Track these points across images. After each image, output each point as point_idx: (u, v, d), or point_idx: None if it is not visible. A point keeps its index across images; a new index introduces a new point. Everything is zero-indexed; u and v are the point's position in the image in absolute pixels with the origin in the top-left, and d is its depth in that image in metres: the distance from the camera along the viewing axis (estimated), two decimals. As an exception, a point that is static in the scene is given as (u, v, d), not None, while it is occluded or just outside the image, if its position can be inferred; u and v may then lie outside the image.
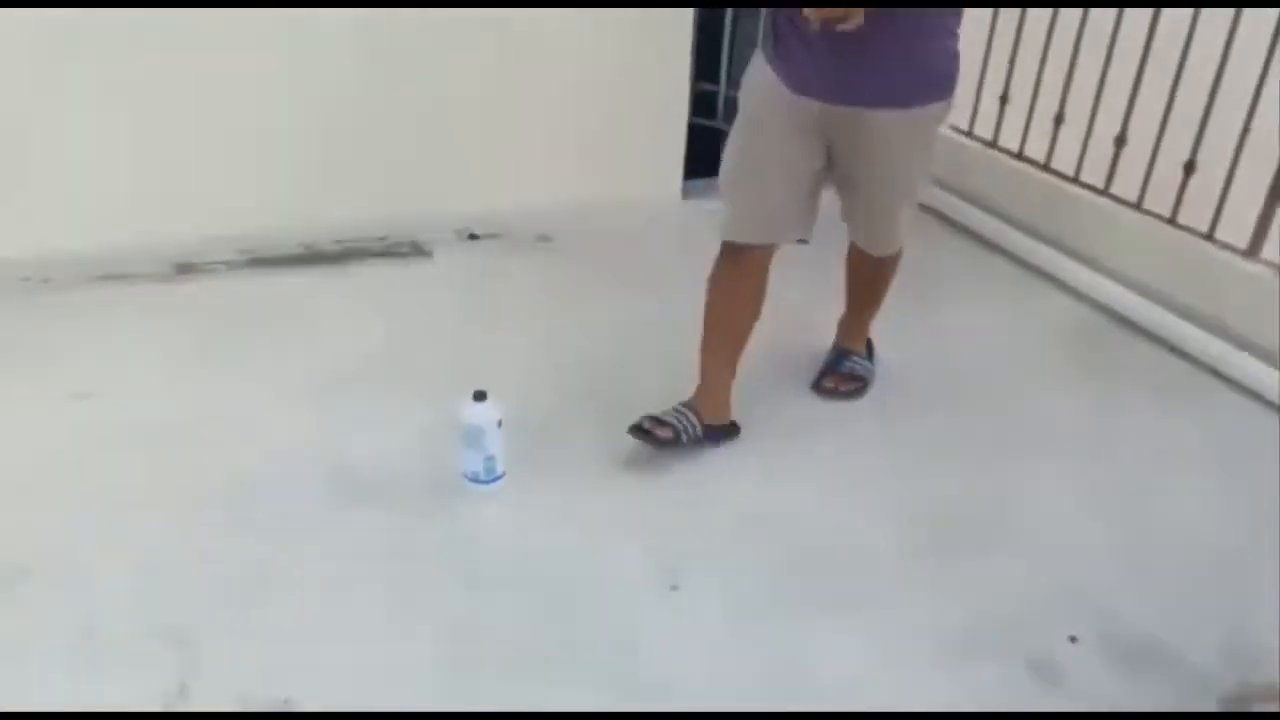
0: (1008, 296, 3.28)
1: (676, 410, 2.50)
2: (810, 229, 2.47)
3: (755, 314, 2.51)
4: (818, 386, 2.76)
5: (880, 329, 2.84)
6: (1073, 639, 2.06)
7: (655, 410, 2.47)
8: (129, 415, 2.56)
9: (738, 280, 2.46)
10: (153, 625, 2.00)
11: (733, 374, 2.54)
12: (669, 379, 2.49)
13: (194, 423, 2.55)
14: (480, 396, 2.32)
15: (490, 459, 2.35)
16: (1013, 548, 2.28)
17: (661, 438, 2.43)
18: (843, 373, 2.78)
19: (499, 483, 2.38)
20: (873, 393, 2.76)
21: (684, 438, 2.46)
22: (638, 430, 2.44)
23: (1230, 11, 2.84)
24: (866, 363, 2.82)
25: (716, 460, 2.50)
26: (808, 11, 2.14)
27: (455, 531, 2.28)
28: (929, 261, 3.20)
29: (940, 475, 2.48)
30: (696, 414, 2.50)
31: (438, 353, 2.85)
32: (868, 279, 2.73)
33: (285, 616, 2.05)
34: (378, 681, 1.91)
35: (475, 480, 2.37)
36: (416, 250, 3.41)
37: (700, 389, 2.53)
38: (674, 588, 2.15)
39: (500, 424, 2.33)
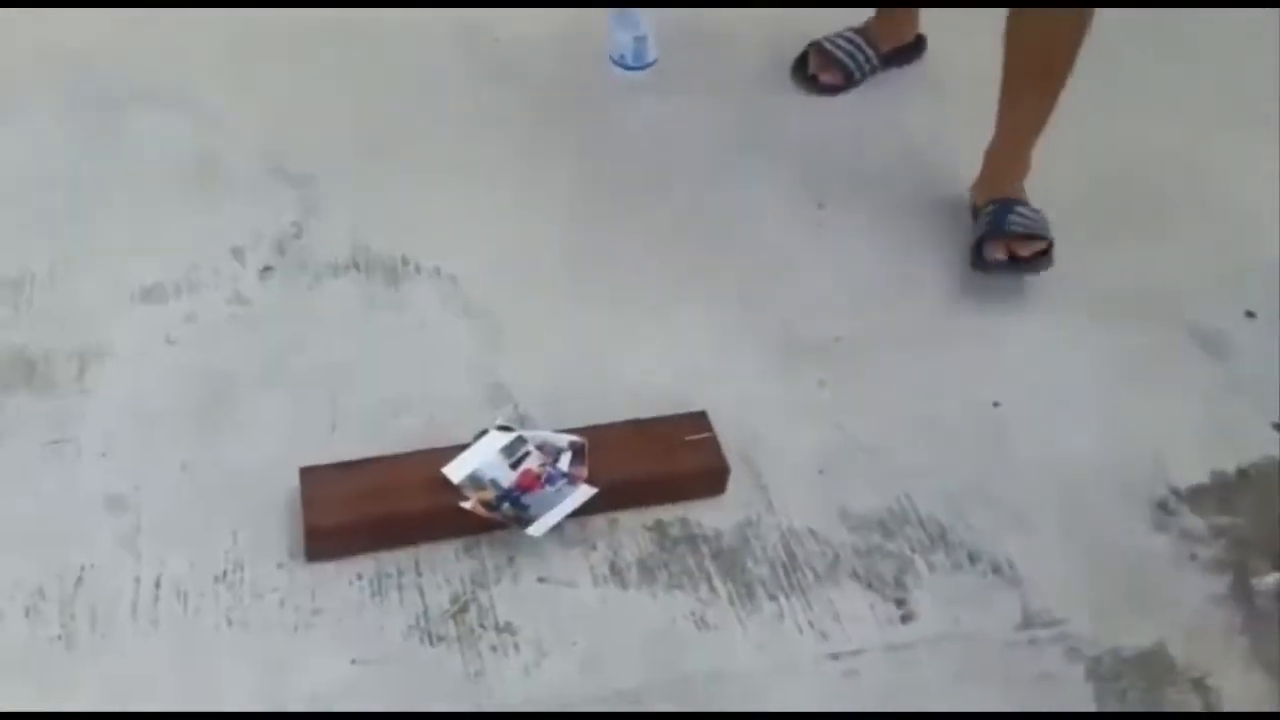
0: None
1: (849, 41, 2.20)
2: None
3: None
4: (981, 263, 1.85)
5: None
6: (1250, 314, 1.85)
7: (829, 30, 2.19)
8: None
9: None
10: (276, 166, 1.96)
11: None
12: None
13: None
14: (637, -39, 2.09)
15: (641, 40, 2.16)
16: (1204, 216, 2.02)
17: (827, 84, 2.19)
18: (1013, 231, 1.85)
19: (648, 70, 2.19)
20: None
21: (857, 76, 2.20)
22: (801, 73, 2.20)
23: None
24: (1036, 213, 1.89)
25: (890, 82, 2.23)
26: None
27: (594, 118, 2.12)
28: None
29: (1140, 131, 2.18)
30: (873, 43, 2.20)
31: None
32: (1049, 51, 1.79)
33: (410, 178, 1.97)
34: (494, 261, 1.84)
35: (622, 64, 2.19)
36: None
37: (879, 11, 2.22)
38: (821, 206, 1.99)
39: (657, -5, 2.12)
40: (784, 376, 1.72)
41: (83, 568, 1.40)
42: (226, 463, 1.53)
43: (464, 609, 1.42)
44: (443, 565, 1.45)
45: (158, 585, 1.40)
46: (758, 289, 1.85)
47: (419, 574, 1.44)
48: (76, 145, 1.97)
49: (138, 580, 1.40)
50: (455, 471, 1.47)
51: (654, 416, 1.58)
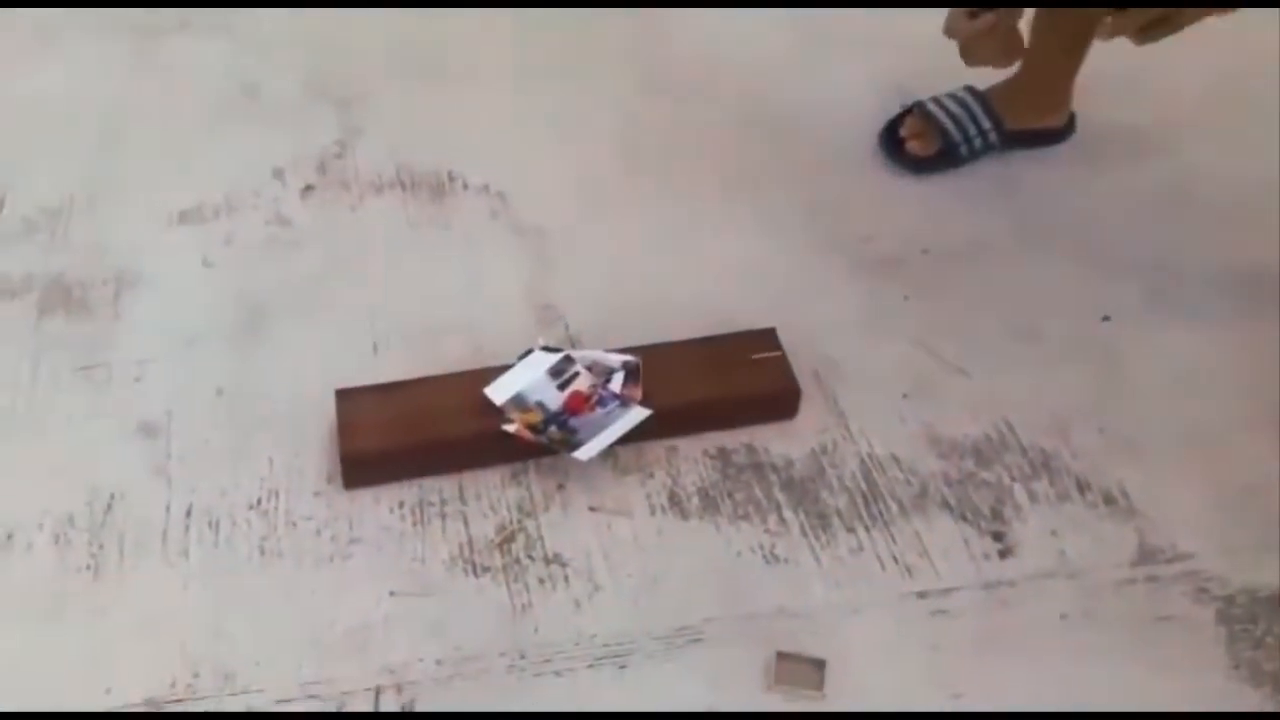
0: None
1: (961, 104, 1.70)
2: None
3: None
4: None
5: None
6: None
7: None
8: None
9: None
10: (318, 87, 1.87)
11: (1076, 57, 1.66)
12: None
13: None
14: None
15: (702, -55, 2.00)
16: None
17: (915, 155, 1.70)
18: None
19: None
20: None
21: (963, 150, 1.70)
22: (889, 138, 1.73)
23: None
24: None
25: None
26: None
27: (647, 20, 1.98)
28: None
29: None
30: (993, 114, 1.70)
31: None
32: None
33: (456, 93, 1.86)
34: (544, 174, 1.72)
35: (683, -29, 2.04)
36: None
37: (1020, 74, 1.67)
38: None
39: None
40: (863, 290, 1.56)
41: (113, 495, 1.32)
42: (263, 387, 1.44)
43: (510, 538, 1.30)
44: (488, 493, 1.34)
45: (189, 514, 1.31)
46: (832, 198, 1.69)
47: (463, 502, 1.33)
48: (118, 72, 1.89)
49: (168, 508, 1.32)
50: (498, 393, 1.36)
51: (717, 334, 1.45)
